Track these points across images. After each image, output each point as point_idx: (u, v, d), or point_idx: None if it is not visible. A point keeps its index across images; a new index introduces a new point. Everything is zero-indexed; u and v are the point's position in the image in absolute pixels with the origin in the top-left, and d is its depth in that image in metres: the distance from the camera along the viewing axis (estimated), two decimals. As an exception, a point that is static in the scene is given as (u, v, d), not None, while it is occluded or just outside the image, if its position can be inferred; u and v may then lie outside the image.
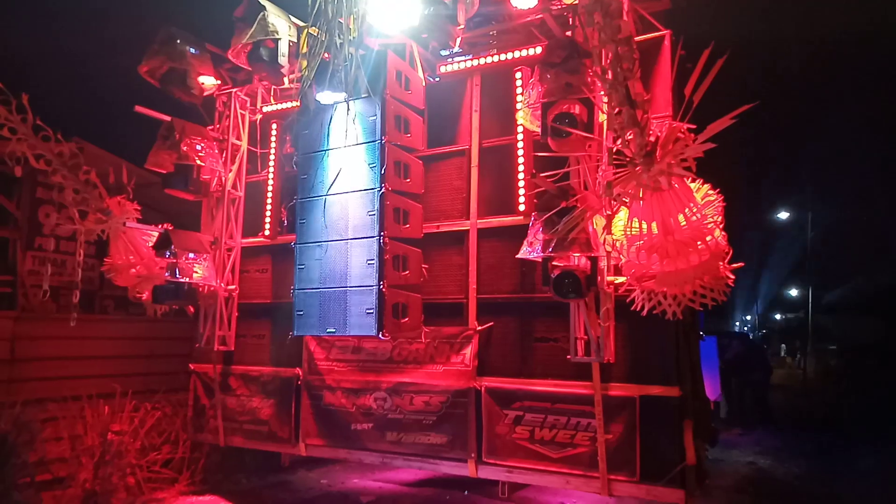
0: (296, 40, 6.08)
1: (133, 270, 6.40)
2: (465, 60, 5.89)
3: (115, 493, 6.25)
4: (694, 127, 4.09)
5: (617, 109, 3.99)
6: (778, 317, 35.27)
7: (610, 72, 3.93)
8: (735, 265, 4.37)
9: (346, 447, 6.06)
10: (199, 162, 6.49)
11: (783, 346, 26.56)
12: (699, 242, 4.23)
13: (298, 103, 6.41)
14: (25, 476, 6.02)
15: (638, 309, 4.40)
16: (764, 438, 10.28)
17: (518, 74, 5.52)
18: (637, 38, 5.12)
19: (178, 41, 6.40)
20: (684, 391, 4.75)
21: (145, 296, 6.50)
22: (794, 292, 30.92)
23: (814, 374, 22.03)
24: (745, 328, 34.14)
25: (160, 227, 6.54)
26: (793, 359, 26.41)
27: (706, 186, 4.40)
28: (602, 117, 4.81)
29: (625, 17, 3.97)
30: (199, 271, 6.44)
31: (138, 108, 6.34)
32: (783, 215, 24.53)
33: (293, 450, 6.41)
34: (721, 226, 4.34)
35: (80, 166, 6.16)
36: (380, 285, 5.27)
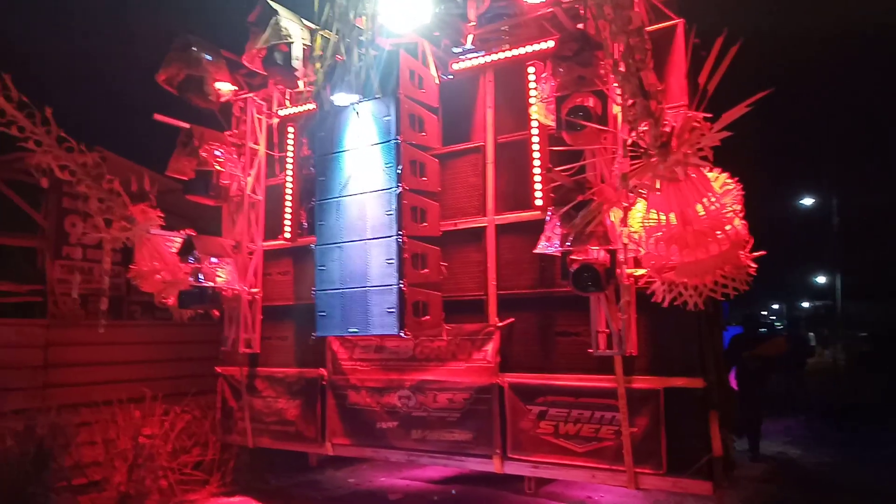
0: (309, 43, 6.14)
1: (158, 276, 6.51)
2: (477, 57, 5.88)
3: (149, 496, 6.40)
4: (710, 116, 4.04)
5: (631, 101, 3.97)
6: (806, 304, 34.65)
7: (622, 64, 3.90)
8: (756, 254, 4.32)
9: (372, 446, 6.12)
10: (218, 167, 6.58)
11: (812, 334, 26.08)
12: (718, 232, 4.18)
13: (314, 105, 6.47)
14: (62, 480, 6.20)
15: (659, 301, 4.37)
16: (793, 427, 10.13)
17: (531, 69, 5.51)
18: (649, 28, 5.07)
19: (194, 48, 6.50)
20: (708, 382, 4.71)
21: (171, 301, 6.61)
22: (821, 279, 30.34)
23: (844, 361, 21.62)
24: (772, 318, 33.62)
25: (183, 232, 6.66)
26: (823, 347, 25.93)
27: (724, 175, 4.34)
28: (616, 109, 4.79)
29: (635, 8, 3.93)
30: (223, 275, 6.54)
31: (157, 117, 6.45)
32: (807, 201, 24.05)
33: (320, 449, 6.48)
34: (741, 214, 4.28)
35: (104, 176, 6.29)
36: (400, 284, 5.30)
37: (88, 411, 6.72)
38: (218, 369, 7.23)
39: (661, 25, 5.20)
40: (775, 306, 38.00)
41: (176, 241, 6.59)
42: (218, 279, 6.49)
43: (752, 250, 4.27)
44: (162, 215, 6.64)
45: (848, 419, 10.94)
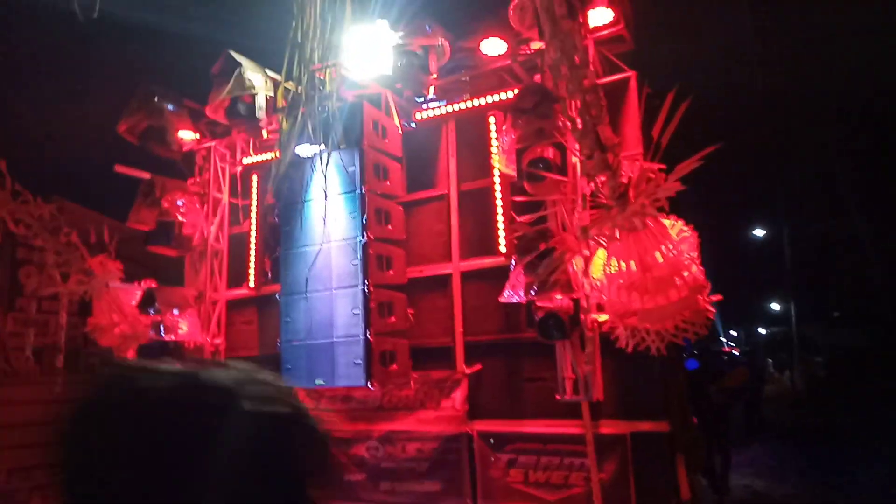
0: (273, 94, 6.19)
1: (117, 330, 6.36)
2: (439, 107, 6.02)
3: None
4: (664, 167, 4.21)
5: (588, 155, 4.11)
6: (762, 331, 35.57)
7: (579, 119, 4.06)
8: (714, 297, 4.46)
9: (340, 499, 5.99)
10: (180, 218, 6.52)
11: (770, 360, 26.75)
12: (677, 278, 4.32)
13: (278, 155, 6.48)
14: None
15: (622, 346, 4.46)
16: (758, 457, 10.31)
17: (492, 119, 5.65)
18: (603, 81, 5.29)
19: (156, 98, 6.48)
20: (674, 425, 4.80)
21: (131, 355, 6.43)
22: (776, 306, 31.27)
23: (803, 385, 22.19)
24: (730, 344, 34.33)
25: (144, 283, 6.52)
26: (780, 372, 26.58)
27: (680, 223, 4.51)
28: (575, 159, 4.94)
29: (590, 67, 4.10)
30: (185, 327, 6.42)
31: (118, 168, 6.38)
32: (759, 232, 24.98)
33: None
34: (698, 261, 4.44)
35: (61, 228, 6.16)
36: (366, 334, 5.28)
37: (42, 474, 6.42)
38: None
39: (614, 78, 5.41)
40: (734, 333, 38.89)
41: (136, 292, 6.46)
42: (180, 331, 6.36)
43: (711, 281, 4.41)
44: (121, 267, 6.51)
45: (809, 444, 11.20)
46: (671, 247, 4.35)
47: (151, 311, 6.29)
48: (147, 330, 6.28)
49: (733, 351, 21.94)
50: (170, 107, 6.51)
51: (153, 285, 6.54)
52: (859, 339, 24.83)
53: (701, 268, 4.44)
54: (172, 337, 6.28)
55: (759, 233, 25.08)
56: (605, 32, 5.23)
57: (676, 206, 4.48)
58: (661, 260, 4.36)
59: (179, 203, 6.51)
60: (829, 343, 25.99)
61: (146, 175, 6.55)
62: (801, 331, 23.87)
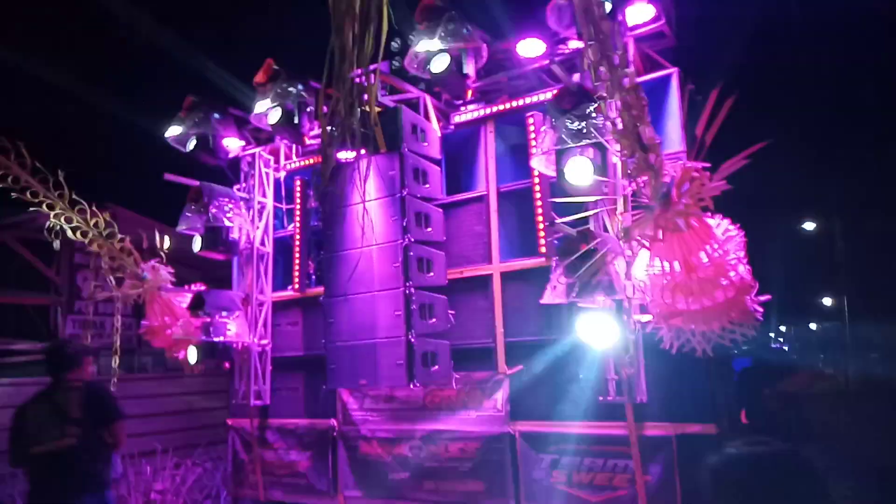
0: (314, 101, 6.30)
1: (169, 332, 6.59)
2: (477, 109, 6.04)
3: (161, 553, 6.37)
4: (708, 166, 4.13)
5: (630, 155, 4.06)
6: (813, 326, 34.38)
7: (619, 119, 4.02)
8: (762, 298, 4.36)
9: (385, 497, 6.09)
10: (227, 223, 6.70)
11: (821, 356, 25.88)
12: (723, 279, 4.24)
13: (320, 160, 6.60)
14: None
15: (667, 348, 4.40)
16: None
17: (531, 120, 5.64)
18: (644, 79, 5.22)
19: (203, 107, 6.70)
20: (721, 427, 4.71)
21: (182, 355, 6.66)
22: (828, 301, 30.19)
23: (856, 384, 21.37)
24: (779, 340, 33.29)
25: (194, 286, 6.74)
26: (833, 369, 25.67)
27: (726, 221, 4.42)
28: (615, 159, 4.89)
29: (630, 66, 4.05)
30: (233, 328, 6.60)
31: (167, 176, 6.59)
32: (810, 226, 24.19)
33: (332, 502, 6.45)
34: (745, 260, 4.34)
35: (115, 235, 6.43)
36: (408, 336, 5.35)
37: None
38: (229, 422, 7.24)
39: (656, 75, 5.33)
40: (782, 328, 37.73)
41: (186, 296, 6.68)
42: (228, 332, 6.55)
43: (760, 276, 4.31)
44: (172, 271, 6.74)
45: (858, 445, 10.77)
46: (716, 247, 4.27)
47: (201, 314, 6.49)
48: (197, 332, 6.48)
49: (783, 347, 21.32)
50: (215, 115, 6.71)
51: (202, 288, 6.74)
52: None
53: (748, 267, 4.35)
54: (221, 338, 6.47)
55: (810, 226, 24.27)
56: (645, 29, 5.15)
57: (722, 202, 4.40)
58: (705, 260, 4.28)
59: (226, 208, 6.70)
60: (885, 340, 24.97)
61: (194, 182, 6.76)
62: (855, 327, 23.03)
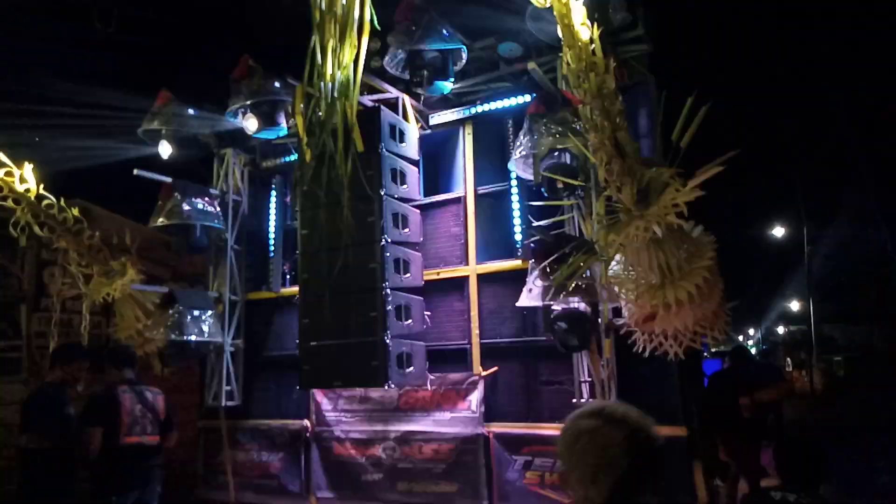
0: (291, 98, 6.23)
1: (139, 331, 6.45)
2: (456, 110, 6.04)
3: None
4: (683, 171, 4.19)
5: (606, 161, 4.11)
6: (781, 330, 35.16)
7: (597, 124, 4.06)
8: (730, 304, 4.46)
9: (358, 499, 6.05)
10: (200, 220, 6.58)
11: (788, 359, 26.49)
12: (695, 283, 4.31)
13: (296, 158, 6.54)
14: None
15: (640, 351, 4.46)
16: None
17: (509, 122, 5.67)
18: (621, 84, 5.27)
19: (177, 103, 6.58)
20: (691, 430, 4.79)
21: (152, 355, 6.54)
22: (795, 306, 30.92)
23: (821, 385, 21.93)
24: (749, 342, 34.01)
25: (164, 284, 6.61)
26: (799, 372, 26.30)
27: (699, 227, 4.50)
28: (593, 163, 4.94)
29: (608, 73, 4.09)
30: (205, 328, 6.49)
31: (137, 172, 6.45)
32: (778, 232, 24.77)
33: (304, 503, 6.40)
34: (716, 265, 4.42)
35: (84, 231, 6.26)
36: (384, 337, 5.32)
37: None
38: (199, 422, 7.13)
39: (632, 81, 5.39)
40: (751, 332, 38.50)
41: (158, 294, 6.54)
42: (200, 332, 6.43)
43: (729, 281, 4.39)
44: (143, 269, 6.60)
45: (826, 445, 11.01)
46: (690, 251, 4.34)
47: (172, 313, 6.37)
48: (168, 331, 6.36)
49: (753, 350, 21.76)
50: (190, 111, 6.60)
51: (174, 286, 6.62)
52: (878, 338, 24.49)
53: (719, 273, 4.43)
54: (193, 337, 6.35)
55: (779, 232, 24.85)
56: (623, 36, 5.21)
57: (695, 208, 4.47)
58: (679, 265, 4.35)
59: (199, 206, 6.58)
60: (849, 343, 25.66)
61: (167, 179, 6.63)
62: (820, 330, 23.62)
